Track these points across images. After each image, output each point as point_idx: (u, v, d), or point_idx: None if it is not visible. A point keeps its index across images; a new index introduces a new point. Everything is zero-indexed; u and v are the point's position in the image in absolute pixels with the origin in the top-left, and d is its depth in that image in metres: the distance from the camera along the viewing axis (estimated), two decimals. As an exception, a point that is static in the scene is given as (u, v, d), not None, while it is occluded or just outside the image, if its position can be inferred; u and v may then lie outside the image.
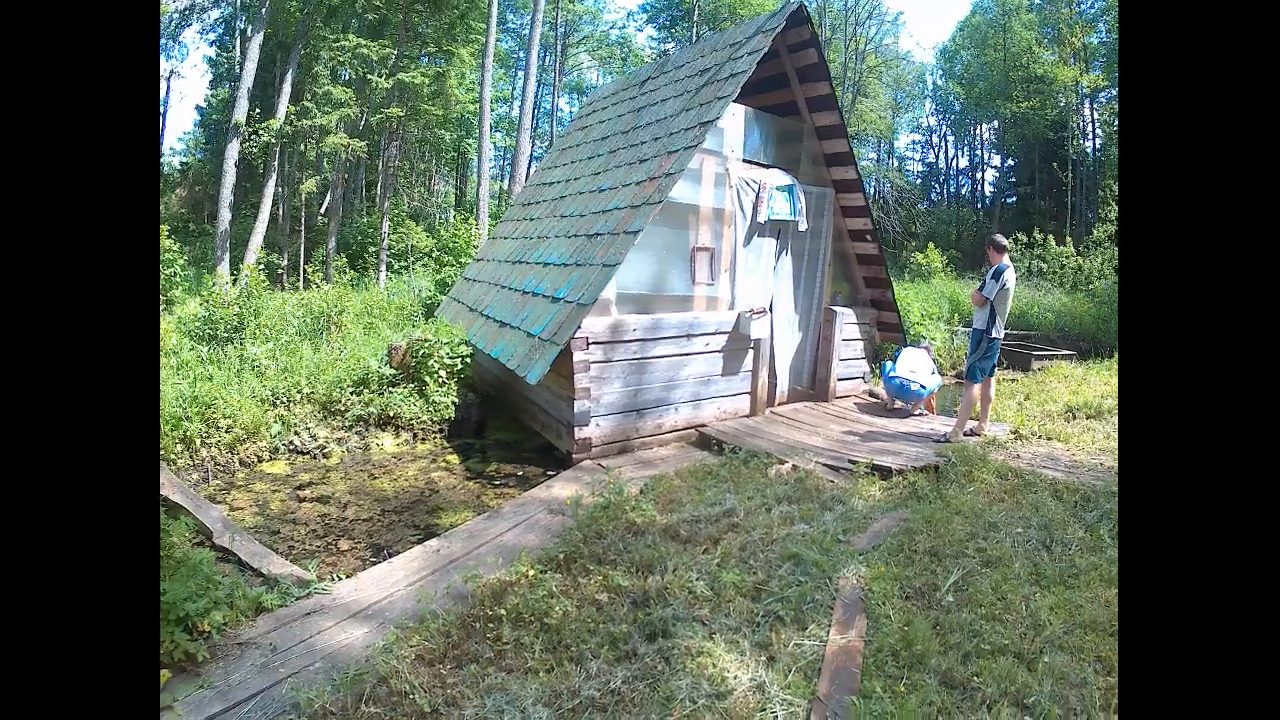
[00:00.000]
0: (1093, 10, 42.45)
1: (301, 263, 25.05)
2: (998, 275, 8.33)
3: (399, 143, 28.52)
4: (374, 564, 5.74)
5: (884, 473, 7.39)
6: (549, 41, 43.90)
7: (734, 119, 9.49)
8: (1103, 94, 42.77)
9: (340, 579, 5.32)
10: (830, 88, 10.41)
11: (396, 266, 24.65)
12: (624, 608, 4.54)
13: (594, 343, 8.08)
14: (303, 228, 26.36)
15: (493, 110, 37.90)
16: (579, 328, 7.83)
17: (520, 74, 29.16)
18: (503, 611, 4.43)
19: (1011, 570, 5.11)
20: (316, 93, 24.44)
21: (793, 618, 4.44)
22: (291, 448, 8.70)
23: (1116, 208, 26.90)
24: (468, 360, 10.07)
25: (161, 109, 34.02)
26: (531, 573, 4.93)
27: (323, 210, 28.04)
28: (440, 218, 33.33)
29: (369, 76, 24.74)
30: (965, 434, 8.79)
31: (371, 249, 25.32)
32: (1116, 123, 33.16)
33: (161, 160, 33.99)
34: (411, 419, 9.45)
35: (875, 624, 4.39)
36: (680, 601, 4.54)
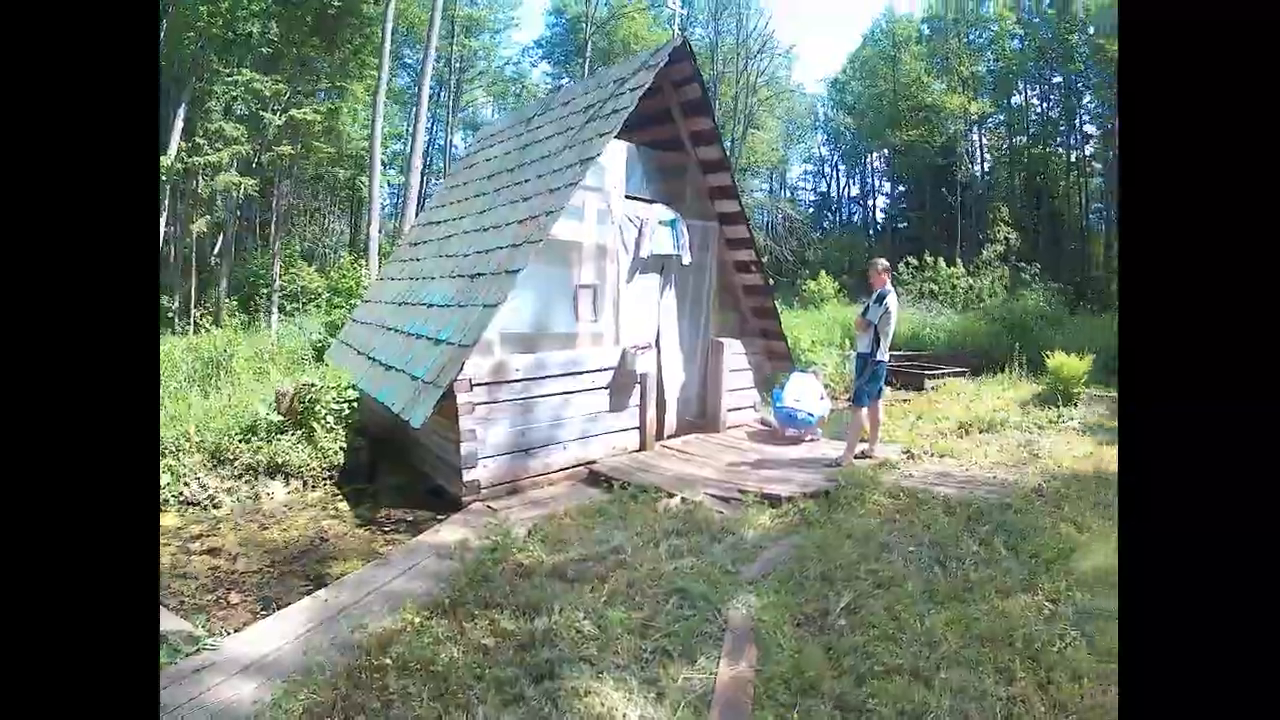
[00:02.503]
0: (980, 40, 44.09)
1: (193, 306, 24.34)
2: (881, 299, 8.52)
3: (290, 181, 28.04)
4: (266, 617, 5.56)
5: (774, 501, 7.44)
6: (444, 77, 43.75)
7: (616, 155, 9.51)
8: (990, 120, 44.32)
9: (230, 633, 5.14)
10: (713, 122, 10.54)
11: (289, 309, 24.11)
12: (510, 651, 4.46)
13: (477, 384, 7.97)
14: (193, 269, 25.64)
15: (388, 147, 37.55)
16: (461, 369, 7.70)
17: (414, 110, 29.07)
18: (389, 661, 4.34)
19: (905, 590, 5.19)
20: (209, 128, 23.83)
21: (681, 652, 4.42)
22: (181, 499, 8.33)
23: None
24: (354, 405, 9.85)
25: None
26: (417, 620, 4.86)
27: (215, 252, 27.36)
28: (333, 258, 32.78)
29: (261, 113, 24.29)
30: (856, 457, 8.91)
31: (264, 291, 24.78)
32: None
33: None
34: (301, 466, 9.16)
35: (766, 653, 4.40)
36: (567, 642, 4.48)
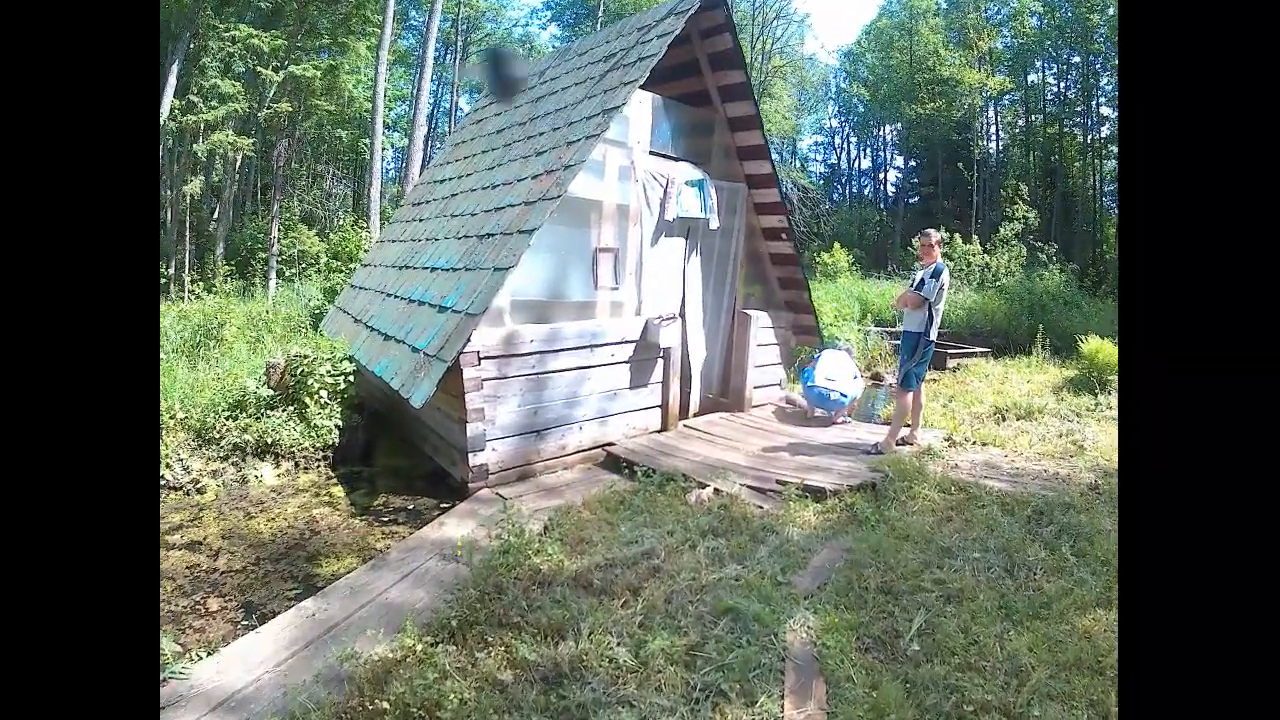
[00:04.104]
0: (999, 15, 43.42)
1: (187, 271, 23.47)
2: (937, 274, 7.85)
3: (288, 141, 27.19)
4: (247, 628, 4.90)
5: (817, 494, 6.69)
6: (450, 39, 42.90)
7: (641, 107, 8.71)
8: (1006, 97, 43.69)
9: (201, 658, 4.39)
10: (745, 76, 9.77)
11: (288, 274, 23.29)
12: (533, 690, 3.68)
13: (486, 357, 7.18)
14: (188, 232, 24.72)
15: (392, 109, 36.76)
16: (468, 340, 6.92)
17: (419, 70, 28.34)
18: (386, 705, 3.55)
19: (977, 605, 4.54)
20: (204, 86, 22.87)
21: (738, 690, 3.68)
22: (163, 483, 7.60)
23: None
24: (350, 378, 9.02)
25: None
26: (419, 646, 4.05)
27: (214, 216, 26.50)
28: (335, 221, 31.96)
29: (259, 70, 23.40)
30: (897, 443, 8.24)
31: (262, 255, 23.97)
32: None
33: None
34: (292, 446, 8.39)
35: (836, 689, 3.71)
36: (600, 678, 3.72)
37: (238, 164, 25.97)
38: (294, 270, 23.20)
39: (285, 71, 23.34)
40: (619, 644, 3.99)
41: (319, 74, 24.76)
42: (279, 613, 5.03)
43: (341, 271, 17.14)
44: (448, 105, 44.82)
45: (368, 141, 27.16)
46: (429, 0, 26.96)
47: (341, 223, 27.52)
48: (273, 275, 23.12)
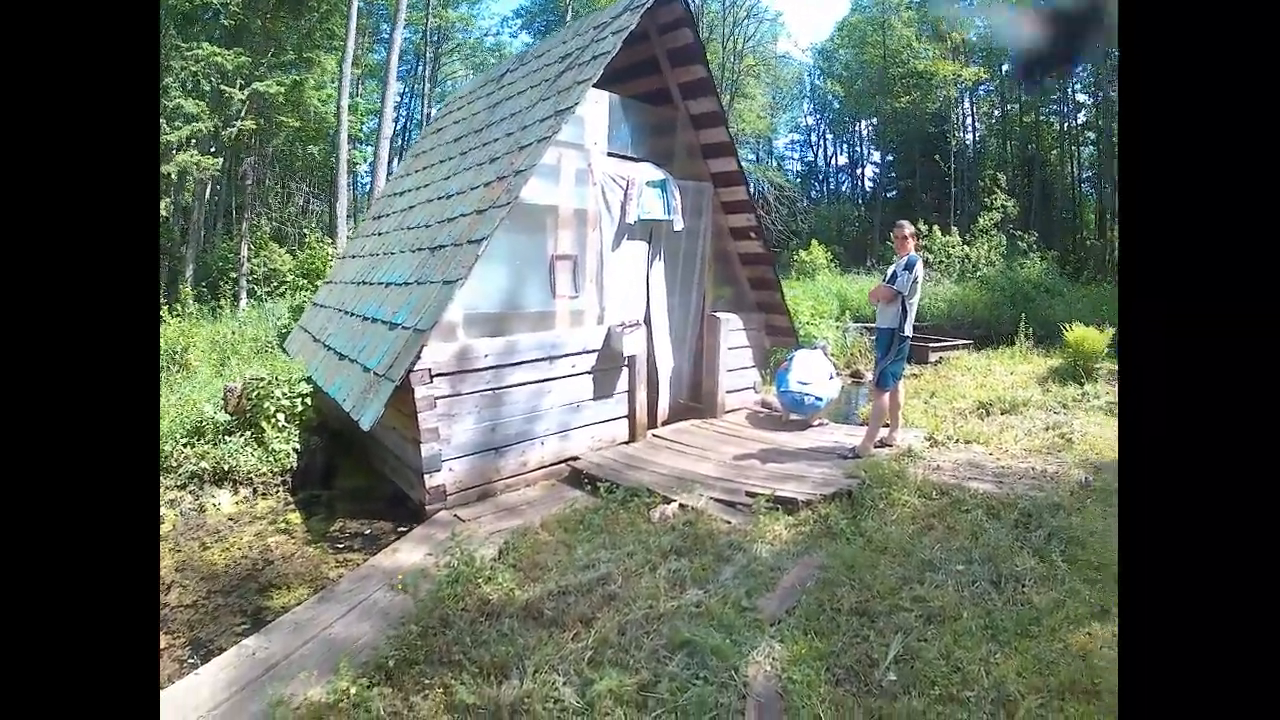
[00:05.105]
0: (970, 7, 43.37)
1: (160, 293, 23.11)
2: (910, 266, 7.58)
3: (254, 158, 26.86)
4: (191, 667, 4.59)
5: (789, 505, 6.36)
6: (420, 50, 42.64)
7: (597, 107, 8.38)
8: (981, 87, 43.68)
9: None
10: (707, 71, 9.45)
11: (259, 293, 22.95)
12: (470, 739, 3.34)
13: (438, 374, 6.85)
14: (157, 255, 24.35)
15: (364, 123, 36.49)
16: (418, 358, 6.59)
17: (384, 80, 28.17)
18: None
19: (961, 625, 4.24)
20: (167, 106, 22.55)
21: (693, 734, 3.33)
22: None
23: (999, 196, 27.07)
24: (307, 400, 8.71)
25: None
26: (354, 689, 3.71)
27: (184, 237, 26.14)
28: (305, 239, 31.76)
29: (223, 88, 23.07)
30: (875, 446, 7.97)
31: (231, 275, 23.61)
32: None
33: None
34: (250, 471, 8.05)
35: (804, 732, 3.35)
36: (544, 721, 3.37)
37: (208, 186, 25.60)
38: (265, 290, 22.89)
39: (250, 89, 23.00)
40: (565, 683, 3.68)
41: (283, 90, 24.43)
42: (225, 649, 4.72)
43: (309, 290, 16.82)
44: (420, 117, 44.59)
45: (336, 156, 26.92)
46: (396, 12, 26.66)
47: (309, 240, 27.31)
48: (243, 295, 22.82)
